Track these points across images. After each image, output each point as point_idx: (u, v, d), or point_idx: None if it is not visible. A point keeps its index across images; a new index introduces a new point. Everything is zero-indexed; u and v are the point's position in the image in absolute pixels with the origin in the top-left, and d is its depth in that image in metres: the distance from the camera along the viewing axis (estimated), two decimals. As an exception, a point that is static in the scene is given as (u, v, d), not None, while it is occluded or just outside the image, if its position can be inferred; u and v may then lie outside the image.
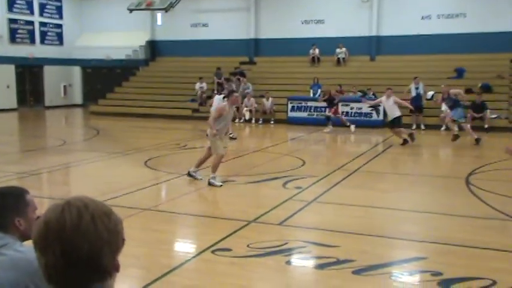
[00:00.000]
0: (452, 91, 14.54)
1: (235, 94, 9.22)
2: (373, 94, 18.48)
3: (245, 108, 19.22)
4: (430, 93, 16.19)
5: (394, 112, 13.67)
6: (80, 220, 1.23)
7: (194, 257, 5.36)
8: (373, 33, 22.98)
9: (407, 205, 7.60)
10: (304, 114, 18.87)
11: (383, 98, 14.09)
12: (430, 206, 7.60)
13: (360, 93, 18.90)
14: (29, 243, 2.25)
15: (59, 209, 1.25)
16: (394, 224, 6.65)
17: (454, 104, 14.06)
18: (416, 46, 21.77)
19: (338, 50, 22.70)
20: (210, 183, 8.40)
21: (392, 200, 7.96)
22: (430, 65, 20.65)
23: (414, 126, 16.90)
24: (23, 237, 2.18)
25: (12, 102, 24.68)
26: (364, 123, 17.52)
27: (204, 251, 5.38)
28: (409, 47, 21.85)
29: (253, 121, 19.35)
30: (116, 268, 1.29)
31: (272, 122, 19.24)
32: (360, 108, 17.95)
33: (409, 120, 17.10)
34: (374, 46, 22.96)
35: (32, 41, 26.06)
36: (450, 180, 9.40)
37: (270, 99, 19.34)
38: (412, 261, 5.20)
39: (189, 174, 8.90)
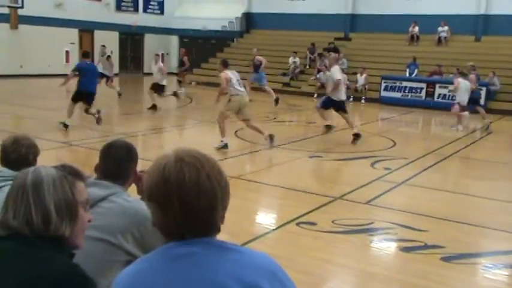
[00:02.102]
0: None
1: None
2: (477, 76, 17.33)
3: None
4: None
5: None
6: (198, 178, 1.27)
7: (279, 227, 5.42)
8: (481, 11, 21.45)
9: (503, 195, 7.13)
10: (398, 95, 18.20)
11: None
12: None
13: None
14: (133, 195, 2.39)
15: (176, 166, 1.27)
16: (489, 214, 6.29)
17: None
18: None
19: (440, 29, 21.48)
20: None
21: (487, 188, 7.51)
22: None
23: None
24: (127, 187, 2.33)
25: (114, 67, 26.04)
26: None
27: (288, 222, 5.42)
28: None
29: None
30: (222, 223, 1.34)
31: (363, 101, 18.77)
32: (459, 91, 16.96)
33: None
34: (481, 25, 21.45)
35: (136, 9, 27.21)
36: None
37: (364, 75, 18.80)
38: (508, 254, 4.92)
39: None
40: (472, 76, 13.68)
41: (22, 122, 11.78)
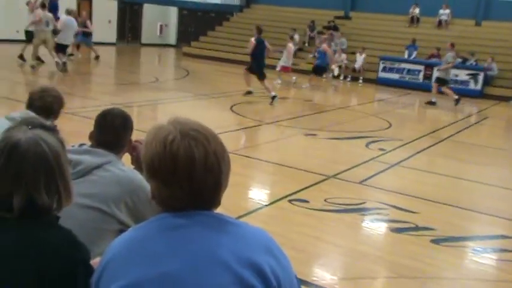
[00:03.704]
0: None
1: None
2: (476, 61, 17.32)
3: (335, 64, 18.79)
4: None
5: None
6: (206, 155, 1.26)
7: (271, 203, 5.43)
8: (483, -5, 21.29)
9: (496, 180, 7.18)
10: (395, 76, 18.14)
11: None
12: (522, 184, 7.13)
13: (459, 60, 17.77)
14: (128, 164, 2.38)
15: (183, 143, 1.24)
16: (480, 198, 6.34)
17: None
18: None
19: (441, 11, 21.30)
20: None
21: (480, 173, 7.56)
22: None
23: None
24: (121, 156, 2.31)
25: (112, 37, 25.73)
26: (461, 92, 16.55)
27: (281, 199, 5.44)
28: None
29: (341, 77, 18.92)
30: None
31: (361, 81, 18.71)
32: (457, 75, 16.95)
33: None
34: (482, 9, 21.28)
35: (134, -22, 26.79)
36: (549, 161, 8.75)
37: (364, 55, 18.68)
38: (497, 239, 4.96)
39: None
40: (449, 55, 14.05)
41: (16, 87, 11.66)
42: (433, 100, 14.07)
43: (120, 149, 2.29)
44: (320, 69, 15.69)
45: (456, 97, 13.90)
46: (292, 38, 17.04)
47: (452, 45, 14.31)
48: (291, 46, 16.10)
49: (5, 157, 1.38)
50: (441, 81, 14.16)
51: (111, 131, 2.26)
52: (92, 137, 2.30)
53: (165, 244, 1.23)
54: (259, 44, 12.14)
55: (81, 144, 2.27)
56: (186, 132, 1.26)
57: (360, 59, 18.72)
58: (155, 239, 1.25)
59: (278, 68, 16.24)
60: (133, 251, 1.25)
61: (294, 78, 16.25)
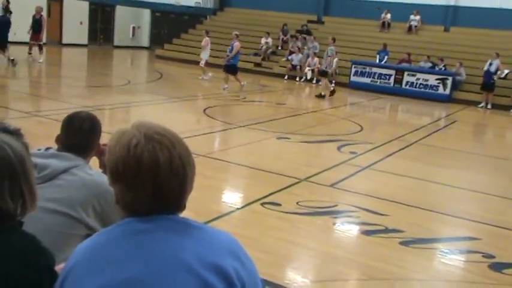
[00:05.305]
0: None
1: None
2: (444, 66, 17.69)
3: (307, 68, 18.93)
4: (506, 71, 15.35)
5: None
6: (171, 159, 1.24)
7: (243, 206, 5.44)
8: (451, 2, 21.79)
9: (464, 183, 7.35)
10: (367, 80, 18.38)
11: None
12: (488, 187, 7.30)
13: (429, 64, 18.14)
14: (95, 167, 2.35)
15: (147, 146, 1.22)
16: (449, 201, 6.47)
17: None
18: (496, 20, 20.44)
19: (412, 17, 21.72)
20: None
21: (449, 176, 7.72)
22: (510, 42, 19.42)
23: (483, 104, 16.17)
24: (89, 160, 2.28)
25: (84, 39, 25.38)
26: (430, 96, 16.91)
27: (253, 202, 5.45)
28: (488, 21, 20.52)
29: (314, 81, 19.07)
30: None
31: (333, 85, 18.86)
32: (427, 80, 17.29)
33: (479, 98, 16.38)
34: (450, 16, 21.80)
35: (106, -21, 26.50)
36: (514, 164, 8.99)
37: (336, 59, 18.83)
38: (464, 240, 5.07)
39: None
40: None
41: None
42: (323, 94, 15.25)
43: (88, 153, 2.26)
44: (231, 67, 15.17)
45: (332, 89, 15.41)
46: (208, 33, 17.20)
47: (333, 39, 15.78)
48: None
49: None
50: (323, 74, 15.75)
51: (79, 134, 2.21)
52: (58, 140, 2.25)
53: (128, 249, 1.22)
54: None
55: (48, 148, 2.23)
56: (150, 136, 1.24)
57: (332, 63, 18.84)
58: (119, 244, 1.24)
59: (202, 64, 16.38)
60: (97, 256, 1.24)
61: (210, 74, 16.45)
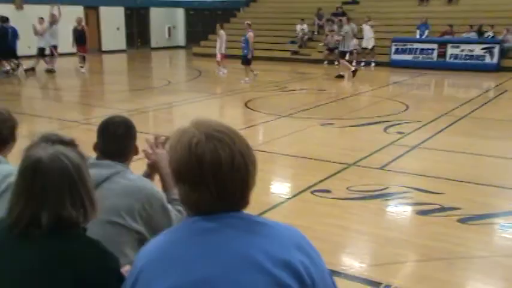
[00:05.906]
0: None
1: None
2: (493, 34, 16.93)
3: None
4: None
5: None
6: (233, 157, 1.24)
7: (293, 196, 5.43)
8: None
9: (520, 154, 7.07)
10: (408, 57, 17.92)
11: None
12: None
13: (473, 34, 17.46)
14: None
15: (209, 145, 1.22)
16: (505, 174, 6.25)
17: None
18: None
19: (451, -13, 20.96)
20: None
21: (503, 148, 7.43)
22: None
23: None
24: (128, 164, 2.30)
25: (122, 44, 25.91)
26: (476, 67, 16.31)
27: (303, 191, 5.43)
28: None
29: (353, 63, 18.74)
30: None
31: (373, 65, 18.52)
32: (472, 51, 16.68)
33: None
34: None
35: (139, -17, 26.89)
36: None
37: (368, 26, 18.35)
38: (525, 213, 4.88)
39: None
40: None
41: (41, 104, 11.83)
42: (342, 73, 15.22)
43: (126, 156, 2.24)
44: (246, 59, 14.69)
45: (353, 69, 15.09)
46: (222, 26, 16.67)
47: (348, 19, 15.89)
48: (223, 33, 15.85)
49: (29, 175, 1.41)
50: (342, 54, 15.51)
51: (115, 140, 2.20)
52: (96, 148, 2.25)
53: (197, 249, 1.22)
54: None
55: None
56: (210, 134, 1.24)
57: (368, 32, 18.32)
58: (186, 244, 1.24)
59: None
60: (166, 257, 1.24)
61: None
